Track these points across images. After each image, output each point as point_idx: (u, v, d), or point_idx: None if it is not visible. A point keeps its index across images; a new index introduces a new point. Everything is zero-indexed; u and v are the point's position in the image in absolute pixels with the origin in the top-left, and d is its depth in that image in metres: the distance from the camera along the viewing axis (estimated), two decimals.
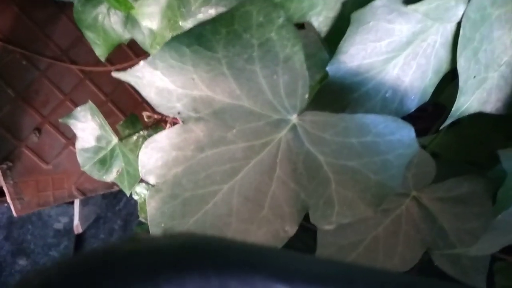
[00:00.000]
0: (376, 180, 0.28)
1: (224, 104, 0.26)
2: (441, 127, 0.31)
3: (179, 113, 0.27)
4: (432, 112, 0.66)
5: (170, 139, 0.28)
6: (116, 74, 0.26)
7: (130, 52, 0.79)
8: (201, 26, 0.25)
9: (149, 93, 0.27)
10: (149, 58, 0.26)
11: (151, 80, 0.26)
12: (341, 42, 0.27)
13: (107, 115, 0.70)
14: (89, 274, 0.11)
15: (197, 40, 0.25)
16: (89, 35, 0.62)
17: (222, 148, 0.28)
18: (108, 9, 0.58)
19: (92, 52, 0.62)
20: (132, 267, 0.11)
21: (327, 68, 0.27)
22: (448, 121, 0.31)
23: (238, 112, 0.26)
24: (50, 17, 0.70)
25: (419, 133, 0.48)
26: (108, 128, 0.60)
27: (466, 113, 0.31)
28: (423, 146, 0.46)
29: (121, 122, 0.69)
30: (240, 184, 0.29)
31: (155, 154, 0.28)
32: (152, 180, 0.29)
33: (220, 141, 0.27)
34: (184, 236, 0.12)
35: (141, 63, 0.26)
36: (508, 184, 0.37)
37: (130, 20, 0.62)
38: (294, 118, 0.26)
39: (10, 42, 0.67)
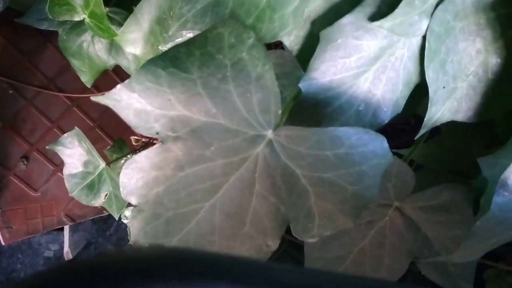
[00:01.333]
0: (353, 191, 0.28)
1: (201, 122, 0.27)
2: (416, 137, 0.32)
3: (157, 133, 0.27)
4: (414, 124, 0.67)
5: (149, 159, 0.28)
6: (94, 98, 0.27)
7: (117, 78, 0.80)
8: (176, 48, 0.26)
9: (127, 115, 0.27)
10: (126, 81, 0.27)
11: (128, 102, 0.27)
12: (312, 60, 0.28)
13: (95, 141, 0.71)
14: (58, 285, 0.11)
15: (172, 63, 0.26)
16: (75, 63, 0.63)
17: (201, 166, 0.28)
18: (92, 37, 0.59)
19: (78, 79, 0.63)
20: (97, 277, 0.11)
21: (300, 85, 0.28)
22: (422, 131, 0.32)
23: (215, 130, 0.27)
24: (36, 47, 0.71)
25: (403, 146, 0.49)
26: (95, 153, 0.60)
27: (439, 123, 0.32)
28: (405, 158, 0.47)
29: (108, 147, 0.70)
30: (221, 201, 0.29)
31: (135, 175, 0.28)
32: (133, 200, 0.29)
33: (199, 159, 0.28)
34: (150, 247, 0.13)
35: (118, 86, 0.27)
36: (489, 192, 0.37)
37: (114, 47, 0.63)
38: (269, 133, 0.27)
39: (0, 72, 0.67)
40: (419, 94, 0.32)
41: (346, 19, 0.27)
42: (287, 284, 0.13)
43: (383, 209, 0.40)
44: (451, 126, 0.40)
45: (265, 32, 0.29)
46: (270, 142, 0.27)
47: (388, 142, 0.28)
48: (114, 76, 0.78)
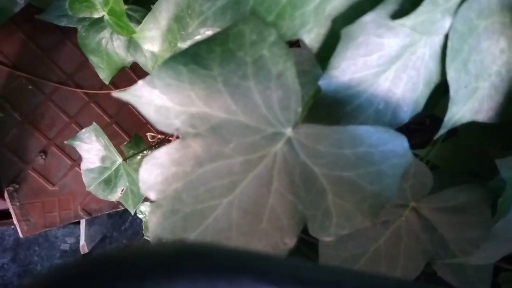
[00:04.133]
0: (372, 190, 0.28)
1: (220, 119, 0.27)
2: (435, 137, 0.32)
3: (177, 129, 0.28)
4: (430, 125, 0.67)
5: (169, 155, 0.28)
6: (116, 94, 0.27)
7: (134, 75, 0.80)
8: (197, 45, 0.26)
9: (148, 111, 0.27)
10: (147, 77, 0.27)
11: (149, 98, 0.27)
12: (332, 58, 0.28)
13: (112, 137, 0.71)
14: (86, 277, 0.12)
15: (193, 59, 0.26)
16: (93, 59, 0.63)
17: (220, 163, 0.28)
18: (111, 34, 0.60)
19: (96, 75, 0.64)
20: (124, 270, 0.11)
21: (319, 83, 0.28)
22: (441, 131, 0.31)
23: (234, 127, 0.27)
24: (55, 43, 0.72)
25: (417, 146, 0.49)
26: (112, 148, 0.61)
27: (459, 123, 0.31)
28: (421, 158, 0.46)
29: (125, 143, 0.71)
30: (239, 198, 0.29)
31: (155, 170, 0.29)
32: (152, 196, 0.30)
33: (218, 156, 0.28)
34: (174, 243, 0.13)
35: (140, 82, 0.27)
36: (507, 193, 0.37)
37: (132, 44, 0.64)
38: (289, 131, 0.27)
39: (17, 68, 0.68)
40: (437, 94, 0.32)
41: (368, 17, 0.27)
42: (312, 281, 0.13)
43: (399, 209, 0.40)
44: (468, 126, 0.39)
45: (285, 29, 0.29)
46: (289, 140, 0.27)
47: None
48: (131, 73, 0.79)
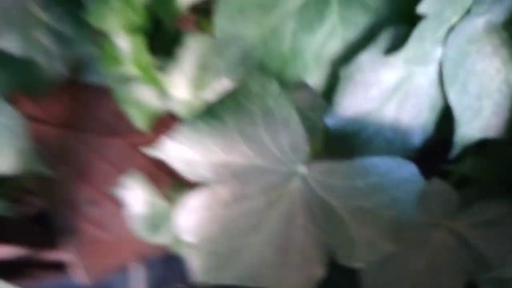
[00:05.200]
0: (389, 216, 0.30)
1: (240, 165, 0.30)
2: (449, 158, 0.33)
3: (205, 178, 0.31)
4: None
5: (200, 201, 0.31)
6: (146, 151, 0.31)
7: (169, 119, 0.86)
8: (213, 104, 0.30)
9: (177, 165, 0.31)
10: (172, 135, 0.31)
11: (177, 154, 0.31)
12: (334, 96, 0.30)
13: (155, 180, 0.76)
14: None
15: (211, 115, 0.30)
16: (129, 110, 0.69)
17: (245, 204, 0.31)
18: (142, 86, 0.65)
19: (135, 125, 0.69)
20: None
21: (325, 121, 0.30)
22: (454, 153, 0.33)
23: (253, 170, 0.30)
24: (96, 101, 0.78)
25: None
26: (156, 192, 0.65)
27: (469, 142, 0.33)
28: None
29: (168, 186, 0.75)
30: (267, 235, 0.32)
31: (189, 216, 0.32)
32: (190, 239, 0.33)
33: (242, 198, 0.31)
34: None
35: (167, 140, 0.31)
36: None
37: (163, 93, 0.69)
38: (302, 169, 0.30)
39: (65, 127, 0.75)
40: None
41: (363, 56, 0.29)
42: None
43: (432, 229, 0.40)
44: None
45: (290, 76, 0.32)
46: (303, 177, 0.30)
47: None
48: (166, 117, 0.84)
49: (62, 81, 0.72)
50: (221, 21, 0.33)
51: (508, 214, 0.39)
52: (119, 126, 0.83)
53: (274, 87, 0.28)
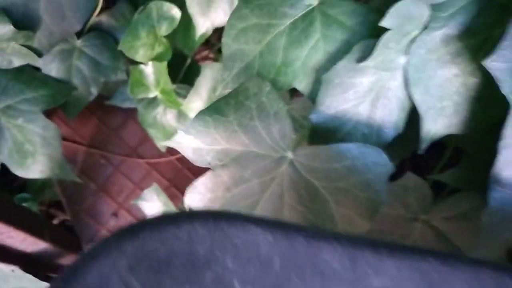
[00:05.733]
0: (364, 196, 0.35)
1: (239, 152, 0.36)
2: (419, 152, 0.39)
3: (209, 163, 0.37)
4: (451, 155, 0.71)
5: (205, 184, 0.38)
6: (163, 143, 0.38)
7: None
8: (217, 102, 0.37)
9: (187, 153, 0.37)
10: (185, 128, 0.37)
11: (187, 143, 0.37)
12: (318, 97, 0.37)
13: (171, 198, 0.82)
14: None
15: (216, 111, 0.36)
16: (151, 132, 0.76)
17: (243, 186, 0.37)
18: (164, 109, 0.73)
19: (154, 147, 0.76)
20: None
21: (310, 117, 0.37)
22: (422, 147, 0.38)
23: (249, 157, 0.36)
24: (121, 123, 0.87)
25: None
26: (171, 204, 0.72)
27: (436, 138, 0.38)
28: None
29: (182, 203, 0.81)
30: (260, 213, 0.37)
31: (196, 197, 0.38)
32: None
33: (240, 181, 0.37)
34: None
35: (179, 132, 0.37)
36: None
37: (182, 115, 0.76)
38: (289, 154, 0.36)
39: (92, 146, 0.84)
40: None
41: (340, 64, 0.36)
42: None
43: (411, 223, 0.45)
44: (475, 144, 0.46)
45: (282, 83, 0.39)
46: (291, 162, 0.36)
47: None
48: None
49: (92, 106, 0.81)
50: (228, 40, 0.41)
51: (478, 208, 0.43)
52: (140, 149, 0.91)
53: (267, 86, 0.35)
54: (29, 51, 0.51)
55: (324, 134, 0.38)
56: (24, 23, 0.48)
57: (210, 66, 0.66)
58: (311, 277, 0.20)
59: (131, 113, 0.90)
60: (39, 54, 0.53)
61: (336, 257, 0.20)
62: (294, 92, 0.49)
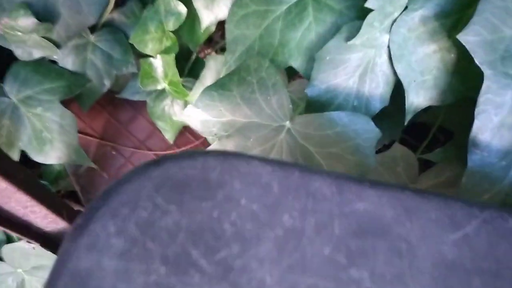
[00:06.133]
0: (354, 160, 0.40)
1: (242, 123, 0.41)
2: (405, 124, 0.43)
3: (215, 134, 0.42)
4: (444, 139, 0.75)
5: None
6: (176, 118, 0.42)
7: (191, 137, 0.98)
8: (222, 78, 0.41)
9: (196, 125, 0.42)
10: (194, 102, 0.42)
11: (196, 116, 0.42)
12: (312, 73, 0.41)
13: None
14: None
15: (221, 86, 0.41)
16: (160, 124, 0.81)
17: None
18: (172, 101, 0.78)
19: (163, 140, 0.81)
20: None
21: (305, 90, 0.41)
22: (407, 117, 0.42)
23: (251, 126, 0.41)
24: (130, 118, 0.92)
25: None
26: None
27: (419, 109, 0.42)
28: None
29: None
30: None
31: None
32: None
33: (244, 149, 0.41)
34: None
35: (189, 106, 0.42)
36: None
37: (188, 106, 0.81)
38: (287, 123, 0.40)
39: (103, 138, 0.88)
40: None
41: (331, 43, 0.40)
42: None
43: None
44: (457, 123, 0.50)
45: (280, 61, 0.43)
46: (288, 130, 0.40)
47: None
48: (189, 135, 0.96)
49: (103, 101, 0.86)
50: (230, 26, 0.45)
51: (460, 174, 0.47)
52: (149, 142, 0.95)
53: (266, 63, 0.39)
54: (49, 42, 0.56)
55: (318, 106, 0.42)
56: (44, 16, 0.53)
57: (214, 58, 0.70)
58: (305, 199, 0.24)
59: (140, 108, 0.94)
60: (57, 46, 0.57)
61: (325, 184, 0.25)
62: (290, 77, 0.53)
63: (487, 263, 0.24)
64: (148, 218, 0.22)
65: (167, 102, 0.78)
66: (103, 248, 0.21)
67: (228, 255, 0.21)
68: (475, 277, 0.24)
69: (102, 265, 0.20)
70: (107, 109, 0.90)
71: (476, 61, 0.36)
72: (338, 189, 0.25)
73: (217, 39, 0.91)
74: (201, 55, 0.95)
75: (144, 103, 0.81)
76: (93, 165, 0.68)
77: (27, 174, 0.48)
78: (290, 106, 0.39)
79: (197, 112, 0.41)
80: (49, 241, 0.62)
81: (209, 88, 0.41)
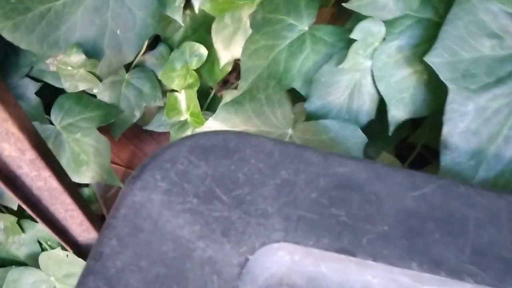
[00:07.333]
0: None
1: (252, 131, 0.50)
2: (390, 134, 0.51)
3: None
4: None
5: None
6: (198, 130, 0.52)
7: None
8: (237, 97, 0.51)
9: None
10: (213, 116, 0.51)
11: (215, 127, 0.51)
12: (310, 91, 0.50)
13: None
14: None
15: (236, 103, 0.51)
16: None
17: None
18: (192, 131, 0.88)
19: None
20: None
21: (304, 105, 0.50)
22: (391, 128, 0.51)
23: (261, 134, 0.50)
24: (154, 150, 1.02)
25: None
26: None
27: (400, 121, 0.51)
28: None
29: None
30: None
31: None
32: None
33: None
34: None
35: (210, 119, 0.51)
36: None
37: None
38: (290, 130, 0.49)
39: (129, 167, 0.98)
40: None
41: (324, 68, 0.50)
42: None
43: None
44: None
45: (284, 84, 0.53)
46: (290, 136, 0.49)
47: None
48: None
49: (129, 135, 0.97)
50: (244, 58, 0.56)
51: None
52: None
53: (272, 83, 0.49)
54: (93, 76, 0.67)
55: (315, 119, 0.51)
56: (91, 54, 0.64)
57: (230, 93, 0.81)
58: (298, 163, 0.32)
59: (162, 142, 1.05)
60: (100, 80, 0.69)
61: (314, 155, 0.33)
62: (294, 102, 0.63)
63: (440, 213, 0.32)
64: (184, 169, 0.30)
65: (188, 132, 0.88)
66: (151, 189, 0.29)
67: (241, 193, 0.29)
68: (429, 221, 0.31)
69: (151, 199, 0.29)
70: (133, 142, 1.00)
71: (441, 78, 0.46)
72: (324, 158, 0.33)
73: (232, 81, 1.03)
74: (218, 94, 1.07)
75: (165, 137, 0.91)
76: (121, 185, 0.77)
77: (71, 181, 0.56)
78: (292, 116, 0.48)
79: (216, 124, 0.51)
80: (81, 249, 0.70)
81: (226, 105, 0.51)
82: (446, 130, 0.46)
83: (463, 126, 0.46)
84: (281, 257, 0.28)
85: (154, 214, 0.28)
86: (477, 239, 0.30)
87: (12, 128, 0.40)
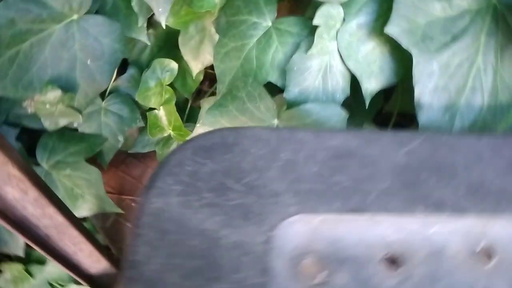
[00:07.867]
0: None
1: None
2: (366, 106, 0.55)
3: None
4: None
5: None
6: (189, 137, 0.54)
7: None
8: (219, 100, 0.53)
9: None
10: (201, 123, 0.53)
11: (202, 132, 0.53)
12: (286, 82, 0.53)
13: None
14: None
15: (219, 105, 0.53)
16: None
17: None
18: (177, 145, 0.89)
19: None
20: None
21: (283, 96, 0.53)
22: (367, 101, 0.54)
23: None
24: (141, 172, 1.03)
25: None
26: None
27: (374, 93, 0.54)
28: None
29: None
30: None
31: None
32: None
33: None
34: None
35: (197, 126, 0.53)
36: None
37: None
38: (275, 121, 0.52)
39: (122, 193, 0.99)
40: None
41: (295, 57, 0.53)
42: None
43: None
44: None
45: (260, 80, 0.56)
46: (277, 126, 0.52)
47: None
48: None
49: (116, 162, 0.97)
50: (217, 63, 0.58)
51: None
52: None
53: (249, 79, 0.51)
54: (72, 110, 0.68)
55: (296, 105, 0.54)
56: (66, 89, 0.65)
57: (207, 100, 0.83)
58: (294, 144, 0.35)
59: (148, 163, 1.06)
60: (80, 112, 0.70)
61: (306, 134, 0.36)
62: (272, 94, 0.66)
63: (430, 163, 0.35)
64: (192, 170, 0.32)
65: (173, 146, 0.90)
66: (167, 193, 0.31)
67: (250, 179, 0.32)
68: (422, 171, 0.34)
69: (169, 202, 0.31)
70: (120, 169, 1.01)
71: (403, 45, 0.49)
72: (316, 135, 0.36)
73: (205, 89, 1.05)
74: (195, 105, 1.09)
75: (151, 158, 0.93)
76: (120, 211, 0.78)
77: (74, 214, 0.57)
78: (275, 107, 0.51)
79: (204, 128, 0.53)
80: (93, 280, 0.70)
81: (210, 109, 0.53)
82: (417, 91, 0.50)
83: (432, 84, 0.50)
84: (299, 228, 0.30)
85: (175, 215, 0.30)
86: (468, 178, 0.34)
87: (12, 170, 0.42)
